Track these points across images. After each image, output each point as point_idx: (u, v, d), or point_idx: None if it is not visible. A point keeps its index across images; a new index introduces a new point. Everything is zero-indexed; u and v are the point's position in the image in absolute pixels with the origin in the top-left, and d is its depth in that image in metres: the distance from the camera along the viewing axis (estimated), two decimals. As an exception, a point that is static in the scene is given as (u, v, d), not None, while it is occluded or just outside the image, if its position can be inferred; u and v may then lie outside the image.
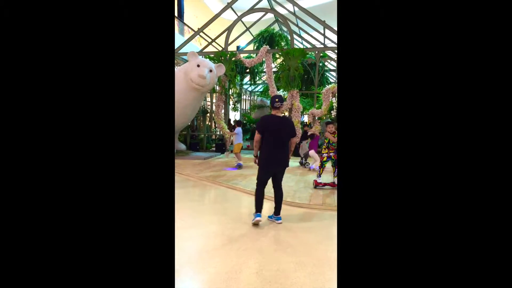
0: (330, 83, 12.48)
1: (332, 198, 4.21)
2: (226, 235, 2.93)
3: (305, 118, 12.21)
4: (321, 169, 4.94)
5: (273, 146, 3.09)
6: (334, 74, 13.91)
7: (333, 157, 4.84)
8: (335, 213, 3.70)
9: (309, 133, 6.74)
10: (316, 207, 3.89)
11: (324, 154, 4.87)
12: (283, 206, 3.94)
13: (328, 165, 5.09)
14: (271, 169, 3.18)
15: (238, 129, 6.91)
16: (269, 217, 3.36)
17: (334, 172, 5.00)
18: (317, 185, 4.84)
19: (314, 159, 6.28)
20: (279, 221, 3.28)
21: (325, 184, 4.85)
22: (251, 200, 4.27)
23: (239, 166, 6.71)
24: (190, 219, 3.37)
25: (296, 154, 7.59)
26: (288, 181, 5.34)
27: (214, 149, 9.90)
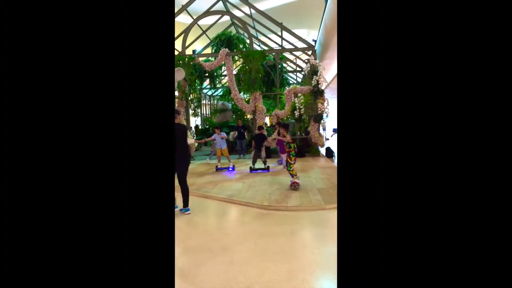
0: (290, 84, 12.71)
1: (308, 199, 4.19)
2: (207, 249, 2.71)
3: (267, 120, 12.27)
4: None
5: (179, 150, 3.60)
6: (292, 75, 14.21)
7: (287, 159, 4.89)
8: (314, 212, 3.67)
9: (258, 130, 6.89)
10: (294, 209, 3.82)
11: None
12: (260, 211, 3.83)
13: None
14: (179, 170, 3.71)
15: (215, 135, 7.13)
16: (180, 210, 3.81)
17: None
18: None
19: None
20: (188, 211, 3.79)
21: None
22: (226, 207, 4.09)
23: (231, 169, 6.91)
24: (164, 235, 3.09)
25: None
26: (261, 184, 5.24)
27: (177, 157, 9.46)
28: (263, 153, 6.79)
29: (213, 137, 7.22)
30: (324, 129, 8.92)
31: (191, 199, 4.65)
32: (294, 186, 4.73)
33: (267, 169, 6.49)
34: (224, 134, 7.22)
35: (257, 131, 7.18)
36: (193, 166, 7.75)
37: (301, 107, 8.71)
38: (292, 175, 4.76)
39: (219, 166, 6.99)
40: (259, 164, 6.74)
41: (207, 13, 9.26)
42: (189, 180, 5.79)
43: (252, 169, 6.51)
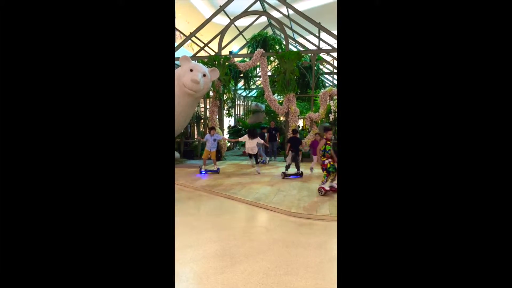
0: (326, 86, 12.31)
1: (339, 207, 3.93)
2: (228, 255, 2.60)
3: (300, 122, 12.01)
4: (330, 175, 4.63)
5: None
6: (329, 77, 13.77)
7: (330, 163, 4.60)
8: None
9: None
10: (323, 218, 3.59)
11: (326, 161, 4.61)
12: (287, 217, 3.65)
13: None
14: None
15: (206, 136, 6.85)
16: None
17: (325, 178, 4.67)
18: (325, 191, 4.56)
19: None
20: None
21: (331, 190, 4.63)
22: (252, 211, 3.97)
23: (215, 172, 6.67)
24: (186, 236, 3.03)
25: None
26: (290, 188, 5.05)
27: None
28: (299, 158, 6.53)
29: (205, 137, 6.75)
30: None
31: (216, 198, 4.61)
32: (321, 191, 4.56)
33: (300, 174, 6.24)
34: (218, 136, 6.90)
35: (291, 134, 6.96)
36: (223, 166, 7.75)
37: (337, 110, 8.35)
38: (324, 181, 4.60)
39: (203, 169, 6.64)
40: (291, 169, 6.49)
41: (244, 13, 9.25)
42: (217, 181, 5.80)
43: (285, 175, 6.15)
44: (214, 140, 6.74)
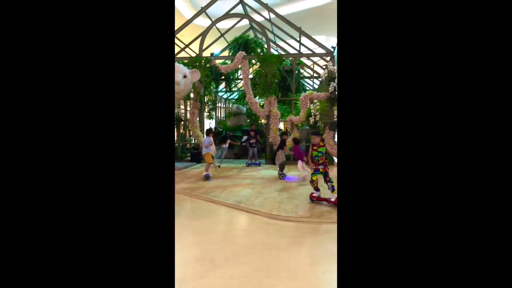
0: (306, 90, 12.50)
1: (320, 209, 3.97)
2: (208, 259, 2.55)
3: (281, 125, 12.10)
4: (312, 183, 4.35)
5: None
6: (309, 81, 14.00)
7: (321, 170, 4.24)
8: (325, 226, 3.45)
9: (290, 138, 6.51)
10: (304, 220, 3.61)
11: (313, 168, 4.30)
12: (268, 220, 3.64)
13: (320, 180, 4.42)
14: None
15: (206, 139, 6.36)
16: None
17: (329, 188, 4.21)
18: (312, 198, 4.32)
19: (302, 171, 5.97)
20: None
21: (321, 199, 4.30)
22: (233, 214, 3.93)
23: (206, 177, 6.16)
24: (166, 241, 2.95)
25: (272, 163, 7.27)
26: (271, 191, 5.05)
27: (189, 158, 9.42)
28: (277, 159, 6.56)
29: (207, 140, 6.24)
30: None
31: (196, 201, 4.53)
32: (312, 200, 4.33)
33: (279, 175, 6.29)
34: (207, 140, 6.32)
35: (272, 136, 7.07)
36: (202, 169, 7.64)
37: (317, 113, 8.48)
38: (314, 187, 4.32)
39: (210, 173, 6.21)
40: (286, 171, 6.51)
41: (226, 15, 9.23)
42: (198, 184, 5.70)
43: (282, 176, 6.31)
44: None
